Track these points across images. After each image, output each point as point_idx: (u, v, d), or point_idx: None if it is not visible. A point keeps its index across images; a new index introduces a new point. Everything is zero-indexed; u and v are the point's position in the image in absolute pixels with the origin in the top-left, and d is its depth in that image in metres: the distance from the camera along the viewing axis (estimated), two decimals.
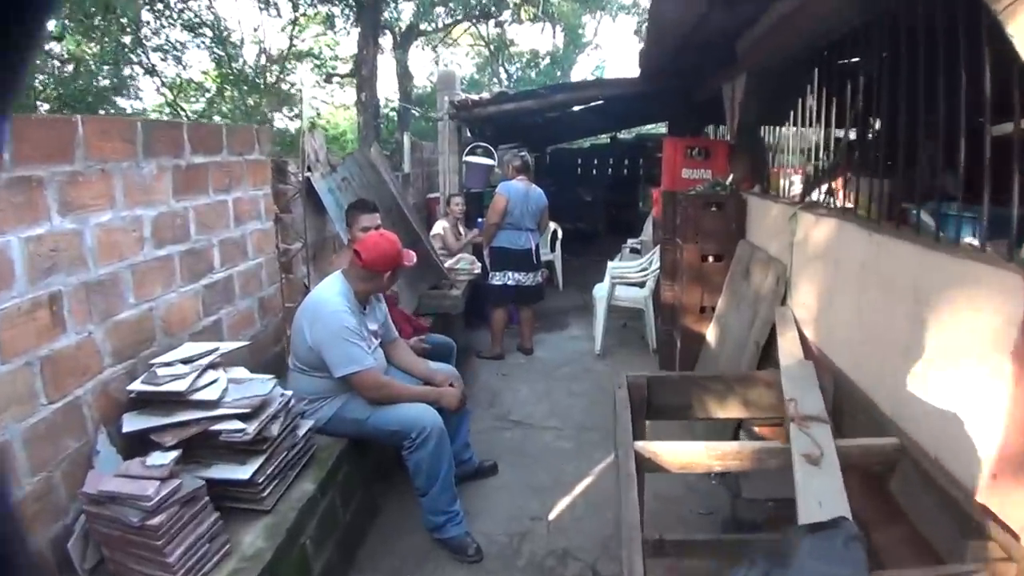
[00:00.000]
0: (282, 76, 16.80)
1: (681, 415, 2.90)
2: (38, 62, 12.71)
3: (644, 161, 13.44)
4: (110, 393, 2.63)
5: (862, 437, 2.23)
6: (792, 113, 4.03)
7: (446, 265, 6.29)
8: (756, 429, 3.17)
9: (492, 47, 21.73)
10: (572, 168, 14.34)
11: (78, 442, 2.42)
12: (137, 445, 2.56)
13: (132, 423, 2.64)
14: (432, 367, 3.64)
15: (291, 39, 16.63)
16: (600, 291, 6.22)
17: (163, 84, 15.36)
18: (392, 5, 15.84)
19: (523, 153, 6.08)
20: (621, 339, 6.58)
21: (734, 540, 2.73)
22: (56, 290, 2.33)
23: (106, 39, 13.08)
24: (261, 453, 2.73)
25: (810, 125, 3.72)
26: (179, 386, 2.68)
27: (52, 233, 2.32)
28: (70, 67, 13.11)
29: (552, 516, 3.57)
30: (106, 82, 13.03)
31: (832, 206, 3.29)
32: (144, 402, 2.70)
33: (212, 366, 2.90)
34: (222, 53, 15.18)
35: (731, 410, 2.78)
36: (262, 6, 14.46)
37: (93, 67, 12.98)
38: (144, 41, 14.16)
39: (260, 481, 2.67)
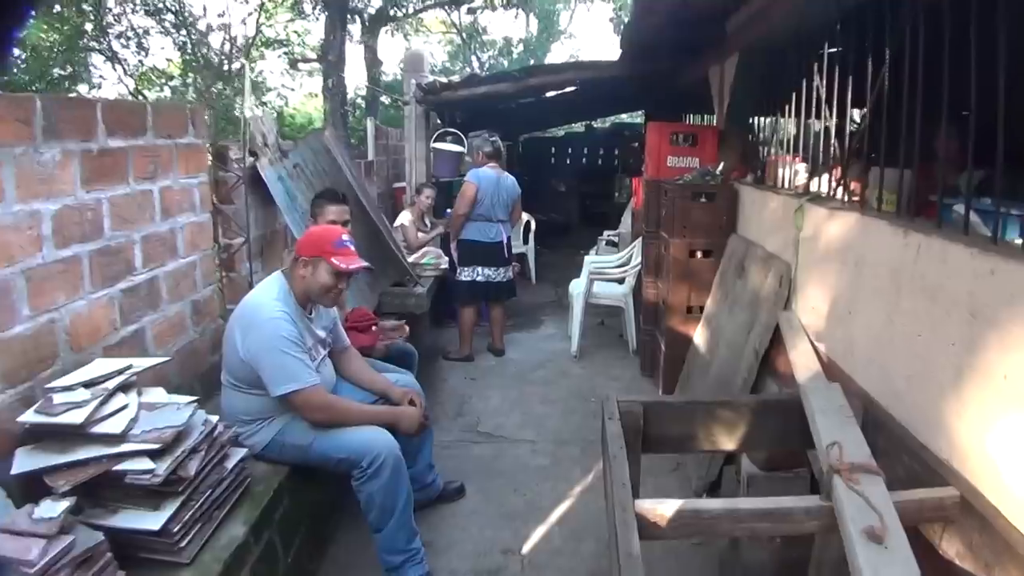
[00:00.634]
0: (249, 63, 16.17)
1: (682, 447, 2.50)
2: None
3: (620, 151, 13.08)
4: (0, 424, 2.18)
5: (907, 486, 1.82)
6: (794, 95, 3.63)
7: (410, 260, 5.84)
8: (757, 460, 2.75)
9: (464, 35, 21.18)
10: (546, 157, 13.89)
11: None
12: (41, 486, 2.11)
13: (23, 462, 2.18)
14: (390, 380, 3.20)
15: (258, 26, 15.99)
16: (577, 287, 5.81)
17: (125, 72, 14.66)
18: None
19: (494, 138, 5.64)
20: (599, 339, 6.18)
21: None
22: None
23: (65, 27, 12.40)
24: (177, 495, 2.29)
25: (816, 108, 3.32)
26: (75, 417, 2.22)
27: None
28: (24, 55, 12.42)
29: (526, 549, 3.16)
30: (58, 70, 12.33)
31: (846, 199, 2.90)
32: (41, 435, 2.24)
33: (123, 388, 2.45)
34: (185, 39, 14.52)
35: (740, 440, 2.37)
36: None
37: (45, 54, 12.28)
38: (107, 28, 13.47)
39: (176, 530, 2.22)
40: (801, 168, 3.61)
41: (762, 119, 4.70)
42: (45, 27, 12.08)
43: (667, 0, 3.88)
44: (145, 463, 2.22)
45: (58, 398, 2.27)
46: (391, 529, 2.76)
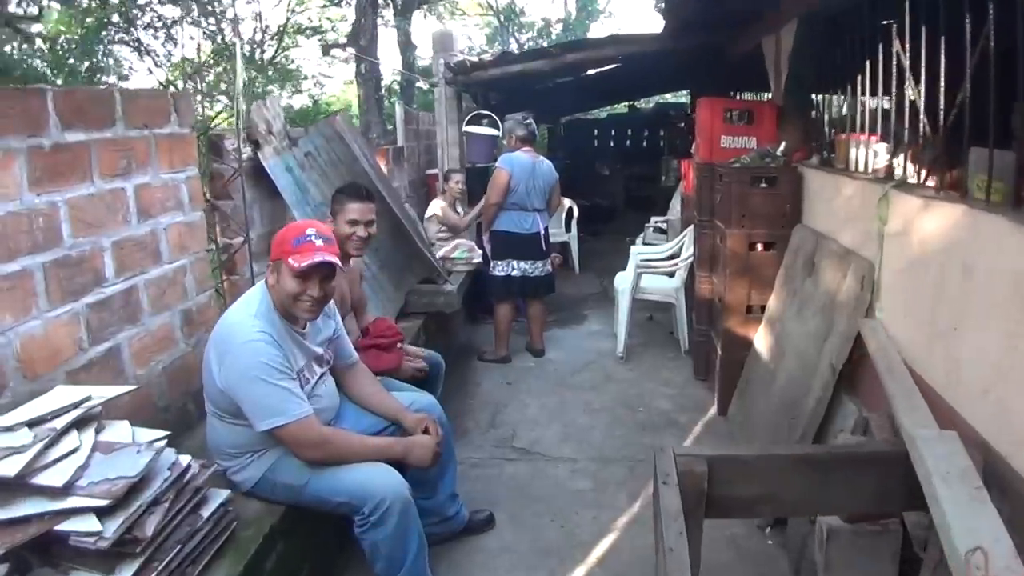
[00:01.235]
0: (283, 50, 15.88)
1: (755, 510, 2.02)
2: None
3: (666, 131, 12.45)
4: None
5: None
6: (868, 64, 3.09)
7: (441, 252, 5.41)
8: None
9: (501, 16, 20.60)
10: (588, 140, 13.35)
11: None
12: None
13: None
14: (404, 403, 2.76)
15: (289, 12, 15.68)
16: (623, 282, 5.30)
17: (155, 64, 14.47)
18: None
19: (528, 120, 5.15)
20: (647, 336, 5.67)
21: None
22: None
23: (88, 19, 12.19)
24: (135, 556, 1.89)
25: (898, 78, 2.77)
26: (10, 467, 1.83)
27: None
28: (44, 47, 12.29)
29: None
30: (78, 62, 12.13)
31: (940, 187, 2.37)
32: None
33: (81, 423, 2.06)
34: (215, 28, 14.26)
35: (827, 503, 1.87)
36: None
37: (63, 47, 12.05)
38: (133, 19, 13.24)
39: None
40: (881, 148, 3.06)
41: (827, 93, 4.15)
42: (68, 20, 11.87)
43: None
44: (91, 523, 1.82)
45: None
46: None
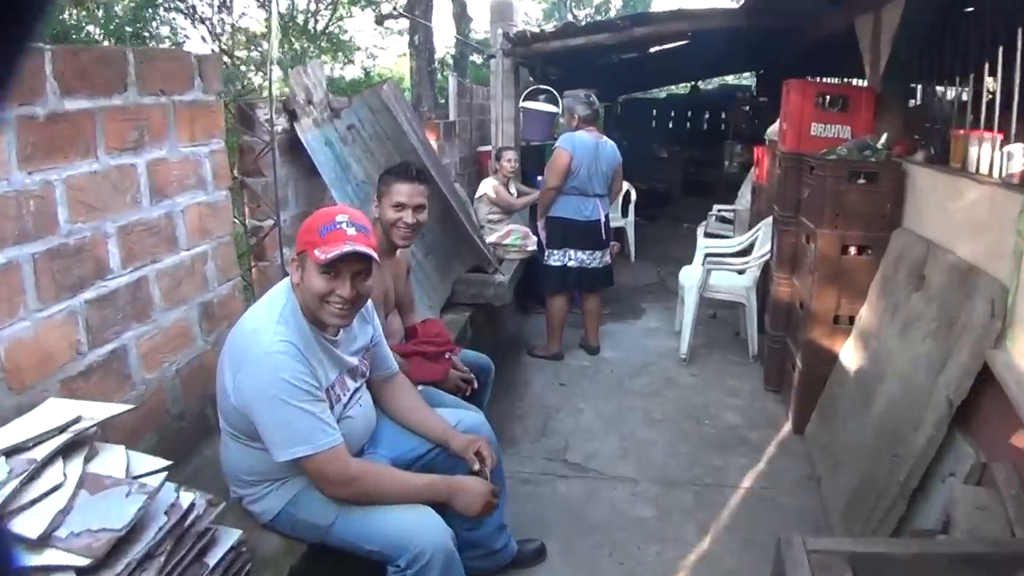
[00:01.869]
0: (335, 21, 15.49)
1: None
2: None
3: (729, 115, 11.83)
4: None
5: None
6: (1001, 48, 2.60)
7: (493, 238, 5.02)
8: None
9: None
10: (646, 121, 12.75)
11: None
12: None
13: None
14: (449, 421, 2.37)
15: None
16: (689, 277, 4.84)
17: (210, 33, 14.21)
18: None
19: (591, 98, 4.70)
20: (711, 336, 5.20)
21: None
22: None
23: None
24: None
25: None
26: None
27: None
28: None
29: None
30: (129, 29, 11.90)
31: None
32: None
33: (64, 451, 1.73)
34: None
35: None
36: None
37: (118, 13, 11.82)
38: None
39: None
40: (1018, 151, 2.56)
41: (940, 81, 3.64)
42: None
43: None
44: None
45: None
46: None
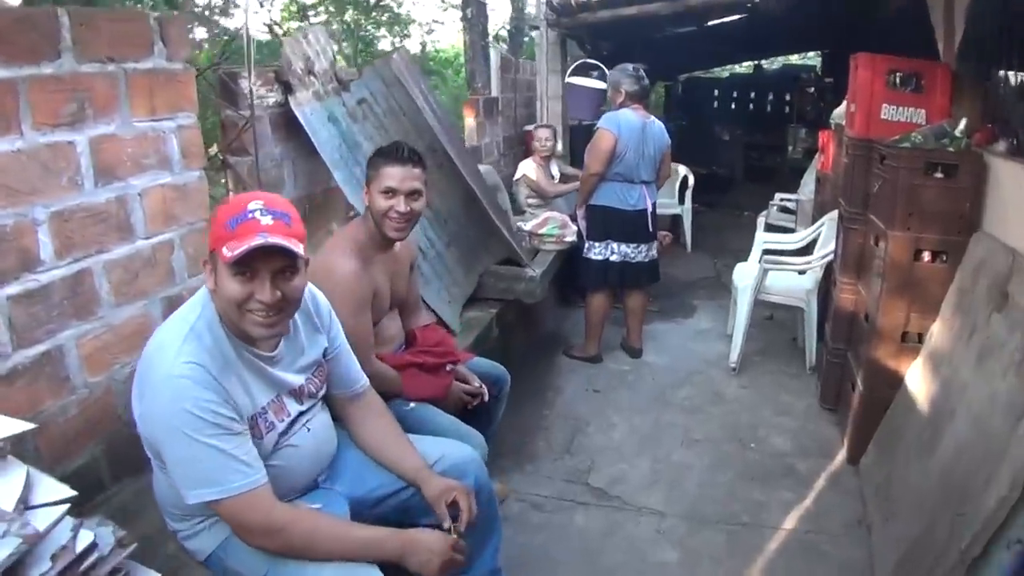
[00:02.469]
0: None
1: None
2: None
3: (793, 97, 11.17)
4: None
5: None
6: None
7: (529, 226, 4.62)
8: None
9: None
10: (707, 101, 12.13)
11: None
12: None
13: None
14: (430, 454, 1.98)
15: None
16: (744, 277, 4.35)
17: (261, 5, 14.02)
18: None
19: (640, 73, 4.23)
20: (765, 340, 4.70)
21: None
22: None
23: None
24: None
25: None
26: None
27: None
28: None
29: None
30: None
31: None
32: None
33: None
34: None
35: None
36: None
37: None
38: None
39: None
40: None
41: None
42: None
43: None
44: None
45: None
46: None
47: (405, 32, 15.06)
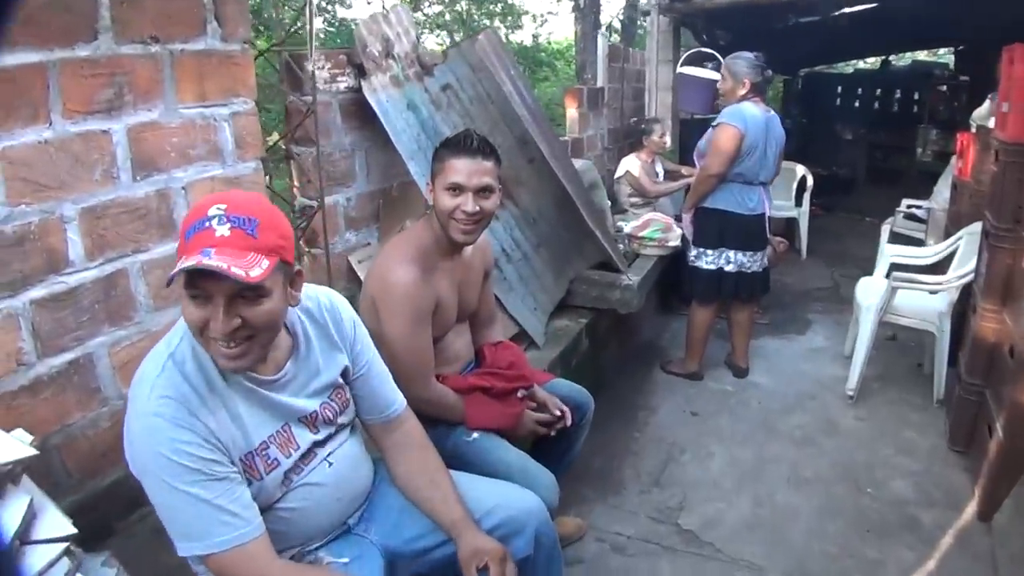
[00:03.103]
0: None
1: None
2: None
3: (923, 95, 10.31)
4: None
5: None
6: None
7: (629, 228, 4.28)
8: None
9: None
10: (829, 98, 11.37)
11: None
12: None
13: None
14: (483, 501, 1.70)
15: None
16: (868, 294, 3.85)
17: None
18: None
19: (762, 63, 3.78)
20: (886, 364, 4.15)
21: None
22: None
23: None
24: None
25: None
26: None
27: None
28: None
29: None
30: None
31: None
32: None
33: None
34: None
35: None
36: None
37: None
38: None
39: None
40: None
41: None
42: None
43: None
44: None
45: None
46: None
47: (518, 23, 14.81)
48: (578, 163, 3.96)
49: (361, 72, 2.54)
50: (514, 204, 3.25)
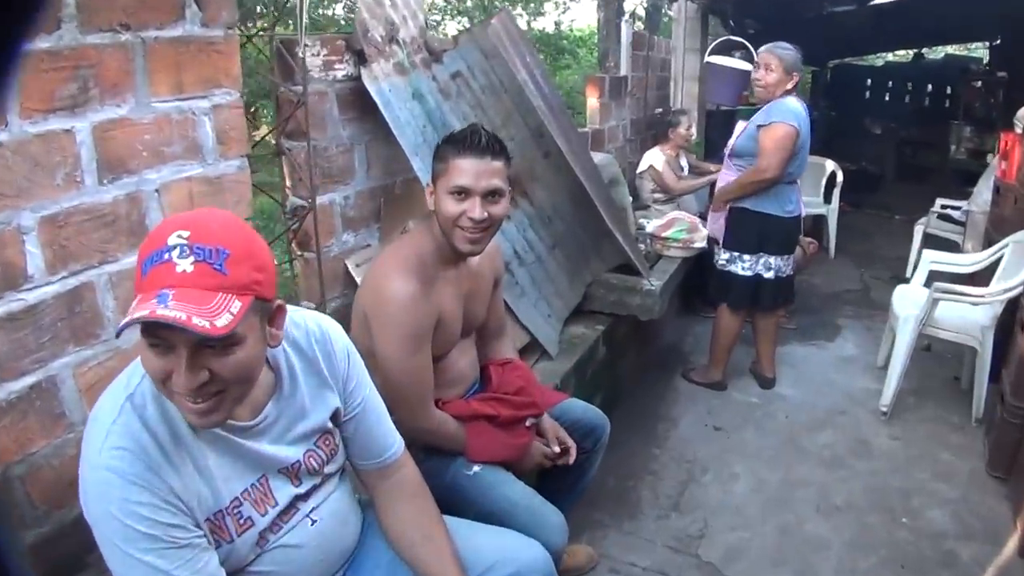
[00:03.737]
0: None
1: None
2: None
3: (956, 91, 10.03)
4: None
5: None
6: None
7: (652, 227, 4.07)
8: None
9: None
10: (859, 91, 11.11)
11: None
12: None
13: None
14: (484, 556, 1.50)
15: None
16: (906, 304, 3.60)
17: None
18: None
19: (795, 50, 3.52)
20: (921, 378, 3.88)
21: None
22: None
23: None
24: None
25: None
26: None
27: None
28: None
29: None
30: None
31: None
32: None
33: None
34: None
35: None
36: None
37: None
38: None
39: None
40: None
41: None
42: None
43: None
44: None
45: None
46: None
47: (540, 10, 14.48)
48: (598, 156, 3.73)
49: (361, 59, 2.32)
50: (528, 202, 3.04)
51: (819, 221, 6.17)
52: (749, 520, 2.77)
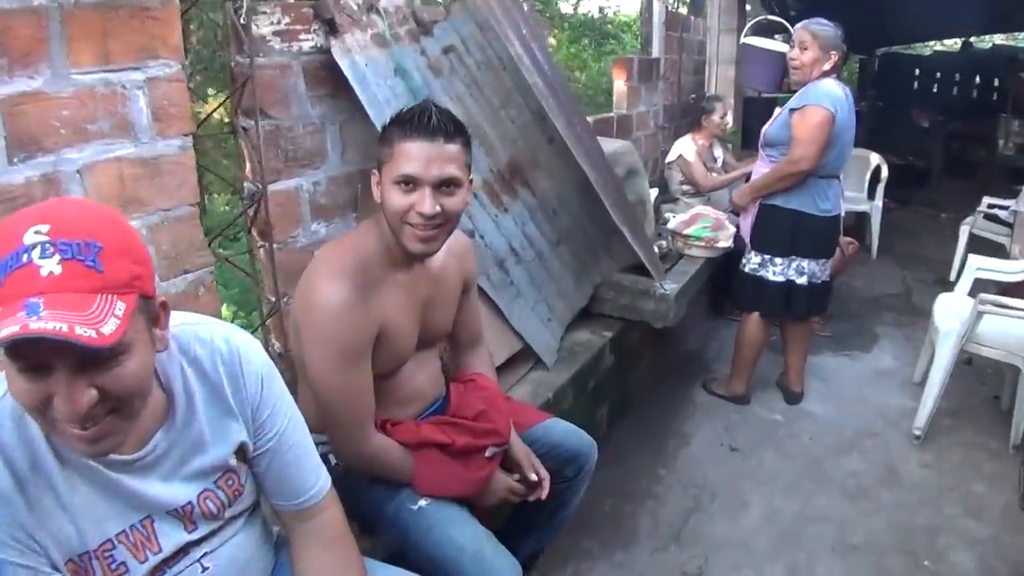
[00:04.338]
0: None
1: None
2: None
3: (1005, 82, 9.39)
4: None
5: None
6: None
7: (673, 223, 3.78)
8: None
9: None
10: (907, 82, 10.57)
11: None
12: None
13: None
14: None
15: None
16: (947, 315, 3.25)
17: None
18: None
19: (834, 27, 3.18)
20: (959, 396, 3.51)
21: None
22: None
23: None
24: None
25: None
26: None
27: None
28: None
29: None
30: None
31: None
32: None
33: None
34: None
35: None
36: None
37: None
38: None
39: None
40: None
41: None
42: None
43: None
44: None
45: None
46: None
47: None
48: (615, 144, 3.44)
49: (332, 29, 2.07)
50: (530, 192, 2.77)
51: (862, 218, 5.79)
52: (755, 557, 2.48)
